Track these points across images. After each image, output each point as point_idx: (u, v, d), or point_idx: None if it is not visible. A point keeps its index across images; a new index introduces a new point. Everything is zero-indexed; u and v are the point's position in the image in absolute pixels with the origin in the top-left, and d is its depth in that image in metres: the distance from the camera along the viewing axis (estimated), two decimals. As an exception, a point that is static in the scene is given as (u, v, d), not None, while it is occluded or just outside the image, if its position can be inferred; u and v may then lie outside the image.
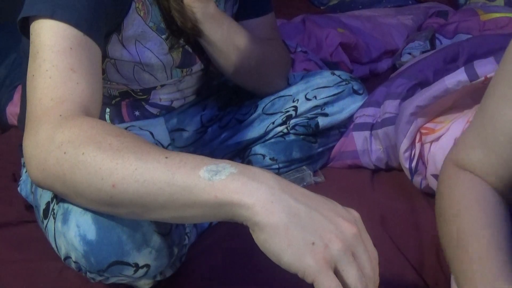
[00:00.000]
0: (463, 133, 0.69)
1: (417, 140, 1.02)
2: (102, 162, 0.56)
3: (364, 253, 0.52)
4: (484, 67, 0.93)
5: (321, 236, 0.50)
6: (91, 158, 0.56)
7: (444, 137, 0.98)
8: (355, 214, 0.55)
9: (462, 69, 0.95)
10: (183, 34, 0.91)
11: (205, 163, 0.54)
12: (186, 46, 0.95)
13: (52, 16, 0.67)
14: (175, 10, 0.86)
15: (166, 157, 0.55)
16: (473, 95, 1.00)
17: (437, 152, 0.98)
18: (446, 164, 0.70)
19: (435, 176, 0.99)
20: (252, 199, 0.51)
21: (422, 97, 0.99)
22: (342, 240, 0.50)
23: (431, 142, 1.00)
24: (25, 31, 0.71)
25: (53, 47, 0.66)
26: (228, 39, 0.94)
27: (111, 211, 0.62)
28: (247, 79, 1.06)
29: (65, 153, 0.58)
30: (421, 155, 1.03)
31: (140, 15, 0.85)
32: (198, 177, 0.52)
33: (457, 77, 0.95)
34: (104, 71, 0.89)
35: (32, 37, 0.69)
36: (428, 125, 1.02)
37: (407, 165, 1.03)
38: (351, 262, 0.50)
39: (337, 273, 0.50)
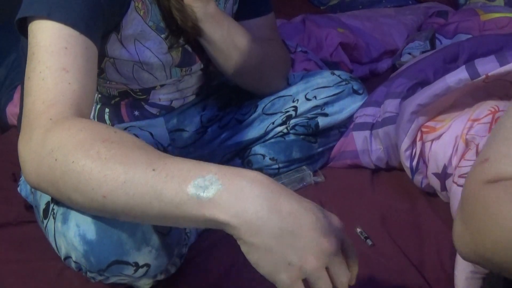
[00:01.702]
0: (494, 145, 0.58)
1: (418, 139, 1.02)
2: (91, 172, 0.56)
3: (339, 264, 0.54)
4: (486, 65, 0.93)
5: (299, 256, 0.52)
6: (80, 168, 0.56)
7: (445, 135, 0.98)
8: (336, 223, 0.56)
9: (463, 67, 0.95)
10: (183, 34, 0.91)
11: (192, 175, 0.54)
12: (186, 46, 0.95)
13: (48, 16, 0.67)
14: (175, 9, 0.86)
15: (153, 170, 0.55)
16: (473, 94, 1.01)
17: (438, 151, 0.98)
18: (472, 184, 0.58)
19: (436, 175, 0.99)
20: (238, 221, 0.52)
21: (423, 95, 0.99)
22: (318, 259, 0.52)
23: (432, 140, 1.00)
24: (24, 31, 0.71)
25: (48, 48, 0.66)
26: (228, 39, 0.94)
27: (107, 217, 0.62)
28: (247, 79, 1.05)
29: (56, 160, 0.58)
30: (422, 154, 1.02)
31: (139, 14, 0.85)
32: (186, 194, 0.53)
33: (458, 75, 0.95)
34: (103, 71, 0.89)
35: (29, 37, 0.68)
36: (429, 123, 1.02)
37: (408, 164, 1.03)
38: (321, 278, 0.53)
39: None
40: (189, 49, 0.96)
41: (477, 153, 0.92)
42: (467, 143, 0.95)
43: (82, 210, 0.62)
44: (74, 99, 0.64)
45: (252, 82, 1.07)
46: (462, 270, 0.81)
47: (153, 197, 0.54)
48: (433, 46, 1.56)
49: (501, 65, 0.92)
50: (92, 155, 0.56)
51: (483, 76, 0.92)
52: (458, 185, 0.93)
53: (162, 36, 0.89)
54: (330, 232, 0.54)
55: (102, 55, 0.85)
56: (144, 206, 0.54)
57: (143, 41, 0.87)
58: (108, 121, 1.00)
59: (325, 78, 1.14)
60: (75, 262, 0.67)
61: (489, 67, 0.93)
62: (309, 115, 1.10)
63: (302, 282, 0.54)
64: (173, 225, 0.58)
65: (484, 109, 0.96)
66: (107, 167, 0.55)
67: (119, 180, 0.55)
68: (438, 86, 0.97)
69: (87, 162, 0.56)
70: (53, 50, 0.66)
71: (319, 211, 0.55)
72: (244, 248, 0.53)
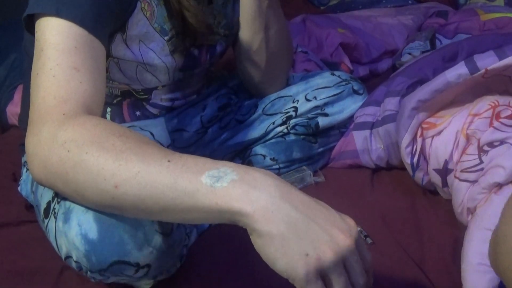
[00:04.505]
0: None
1: (418, 135, 1.02)
2: (105, 162, 0.56)
3: (356, 263, 0.53)
4: (485, 60, 0.94)
5: (315, 247, 0.51)
6: (94, 158, 0.56)
7: (446, 131, 0.98)
8: (350, 222, 0.55)
9: (462, 63, 0.96)
10: (189, 36, 0.91)
11: (207, 167, 0.54)
12: (192, 49, 0.94)
13: (57, 14, 0.67)
14: (187, 11, 0.86)
15: (169, 161, 0.55)
16: (473, 90, 1.01)
17: (439, 146, 0.98)
18: None
19: (437, 171, 0.99)
20: (252, 207, 0.51)
21: (424, 91, 0.99)
22: (335, 252, 0.51)
23: (433, 136, 1.00)
24: (31, 28, 0.71)
25: (58, 46, 0.66)
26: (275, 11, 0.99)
27: (113, 212, 0.62)
28: (261, 65, 1.06)
29: (68, 151, 0.58)
30: (422, 150, 1.02)
31: (146, 16, 0.84)
32: (200, 183, 0.53)
33: (458, 70, 0.95)
34: (107, 70, 0.89)
35: (37, 34, 0.69)
36: (429, 119, 1.02)
37: (408, 161, 1.03)
38: (340, 274, 0.52)
39: (326, 280, 0.52)
40: (195, 52, 0.95)
41: (478, 147, 0.92)
42: (468, 138, 0.95)
43: (89, 204, 0.62)
44: (86, 98, 0.65)
45: (264, 67, 1.07)
46: (469, 263, 0.81)
47: (166, 186, 0.54)
48: (433, 46, 1.56)
49: (500, 59, 0.93)
50: (107, 147, 0.57)
51: (483, 71, 0.93)
52: (460, 180, 0.93)
53: (165, 38, 0.89)
54: (344, 227, 0.53)
55: (107, 55, 0.85)
56: (155, 197, 0.54)
57: (147, 43, 0.87)
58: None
59: (325, 78, 1.14)
60: (76, 261, 0.67)
61: (488, 61, 0.93)
62: (309, 115, 1.10)
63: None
64: (180, 220, 0.57)
65: (484, 104, 0.96)
66: (122, 157, 0.56)
67: (133, 170, 0.55)
68: (438, 82, 0.98)
69: (102, 153, 0.56)
70: (63, 48, 0.66)
71: (332, 209, 0.55)
72: (258, 242, 0.52)
